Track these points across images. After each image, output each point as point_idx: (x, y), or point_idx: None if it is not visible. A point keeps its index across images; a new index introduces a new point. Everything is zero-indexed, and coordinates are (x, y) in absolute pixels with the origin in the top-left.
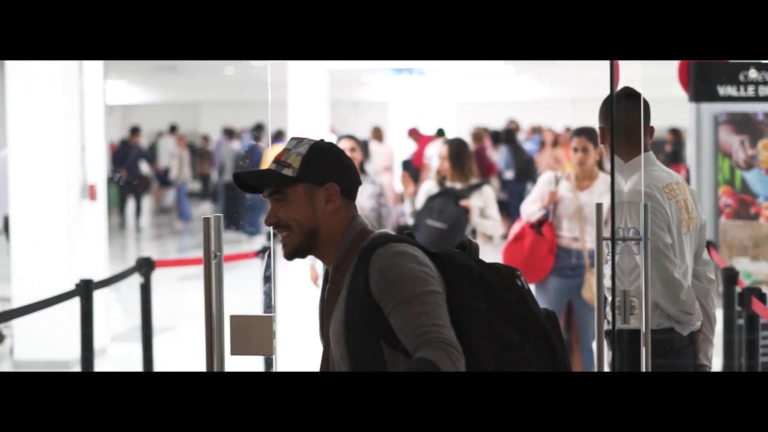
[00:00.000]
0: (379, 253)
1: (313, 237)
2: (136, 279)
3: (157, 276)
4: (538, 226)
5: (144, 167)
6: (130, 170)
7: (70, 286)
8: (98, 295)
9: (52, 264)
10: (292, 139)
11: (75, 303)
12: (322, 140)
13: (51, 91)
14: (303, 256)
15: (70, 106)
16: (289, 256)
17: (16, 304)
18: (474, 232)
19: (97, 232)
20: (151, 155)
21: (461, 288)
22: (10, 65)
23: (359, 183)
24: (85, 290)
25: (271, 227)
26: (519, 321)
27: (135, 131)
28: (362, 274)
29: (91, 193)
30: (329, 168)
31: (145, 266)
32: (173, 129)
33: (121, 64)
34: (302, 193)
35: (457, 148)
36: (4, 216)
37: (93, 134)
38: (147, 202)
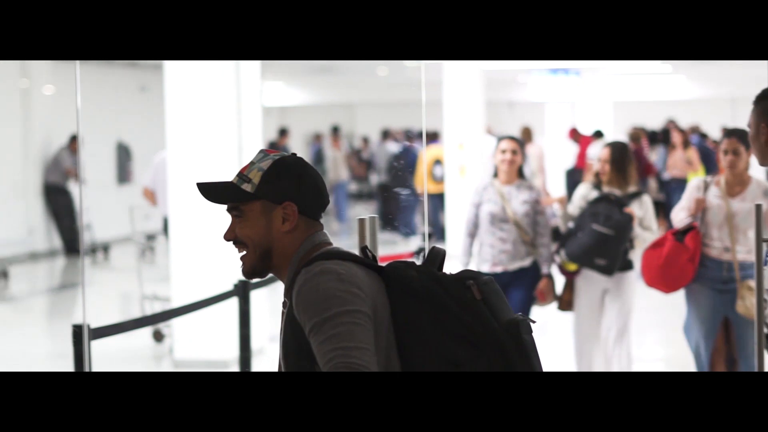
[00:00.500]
0: (303, 273)
1: (267, 257)
2: None
3: None
4: (681, 233)
5: None
6: None
7: (228, 287)
8: (256, 296)
9: (210, 264)
10: (260, 151)
11: (233, 303)
12: (289, 155)
13: (209, 93)
14: (261, 276)
15: (227, 107)
16: (246, 275)
17: (175, 304)
18: (631, 240)
19: None
20: (318, 157)
21: (406, 304)
22: (169, 67)
23: (325, 203)
24: (242, 290)
25: (231, 242)
26: (469, 336)
27: (283, 133)
28: (293, 294)
29: None
30: (289, 185)
31: None
32: (335, 130)
33: (278, 65)
34: (259, 210)
35: (619, 152)
36: (164, 217)
37: (250, 135)
38: None
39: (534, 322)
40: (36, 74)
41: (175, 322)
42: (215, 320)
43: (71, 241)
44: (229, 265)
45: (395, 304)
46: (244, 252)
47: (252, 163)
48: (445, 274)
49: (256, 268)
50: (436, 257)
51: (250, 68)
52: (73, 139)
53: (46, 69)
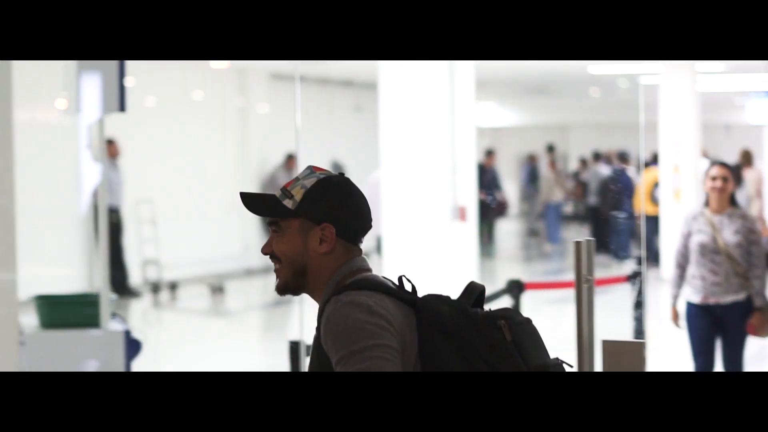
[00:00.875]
0: (332, 302)
1: (301, 275)
2: (506, 301)
3: (527, 298)
4: None
5: (503, 190)
6: (487, 193)
7: None
8: None
9: (423, 284)
10: (307, 167)
11: None
12: (335, 174)
13: (423, 113)
14: (294, 294)
15: (441, 127)
16: (279, 291)
17: None
18: None
19: (468, 253)
20: (532, 177)
21: (434, 339)
22: (384, 87)
23: (366, 227)
24: None
25: (268, 256)
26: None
27: (490, 154)
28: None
29: (461, 214)
30: (330, 206)
31: (516, 288)
32: (551, 150)
33: (492, 85)
34: (297, 228)
35: None
36: (377, 236)
37: (463, 156)
38: (508, 225)
39: (571, 366)
40: (252, 93)
41: None
42: None
43: None
44: (443, 284)
45: (423, 339)
46: (279, 266)
47: (297, 179)
48: (477, 311)
49: (289, 285)
50: (473, 292)
51: (465, 88)
52: (290, 158)
53: (261, 87)
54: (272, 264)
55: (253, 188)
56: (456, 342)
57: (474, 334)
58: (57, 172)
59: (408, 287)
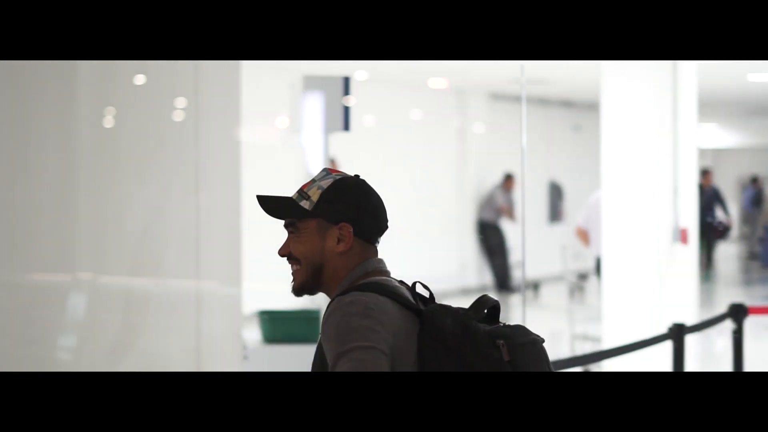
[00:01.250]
0: (335, 301)
1: (318, 274)
2: (728, 325)
3: (749, 323)
4: None
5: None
6: (703, 214)
7: (661, 330)
8: (688, 340)
9: (643, 306)
10: (323, 169)
11: (664, 347)
12: (350, 176)
13: (644, 133)
14: (310, 293)
15: (662, 148)
16: (296, 292)
17: (605, 345)
18: None
19: (688, 276)
20: (756, 200)
21: (434, 350)
22: (605, 107)
23: (382, 228)
24: (677, 334)
25: (285, 258)
26: None
27: (706, 173)
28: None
29: (682, 236)
30: (346, 206)
31: (738, 312)
32: None
33: (713, 106)
34: (314, 228)
35: None
36: (596, 257)
37: (685, 177)
38: (727, 248)
39: None
40: (470, 113)
41: (606, 363)
42: (646, 363)
43: (503, 278)
44: (663, 307)
45: (424, 348)
46: (297, 268)
47: (313, 181)
48: (480, 326)
49: (306, 285)
50: (481, 306)
51: (687, 108)
52: (508, 178)
53: (480, 107)
54: (487, 283)
55: (471, 207)
56: (453, 355)
57: (472, 350)
58: (280, 191)
59: (425, 294)
